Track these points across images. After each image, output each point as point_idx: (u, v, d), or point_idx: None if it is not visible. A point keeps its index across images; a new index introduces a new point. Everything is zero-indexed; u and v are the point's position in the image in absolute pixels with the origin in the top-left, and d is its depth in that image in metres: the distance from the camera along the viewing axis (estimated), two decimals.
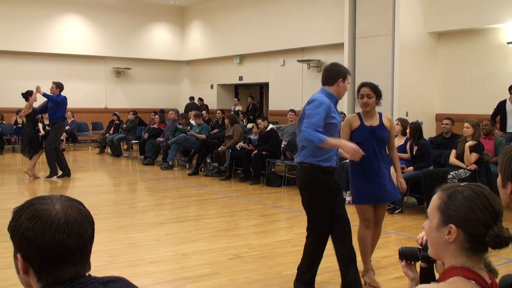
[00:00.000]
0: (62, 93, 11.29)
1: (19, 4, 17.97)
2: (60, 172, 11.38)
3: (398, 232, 7.01)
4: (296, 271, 4.62)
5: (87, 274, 1.54)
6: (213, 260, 5.57)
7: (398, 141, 8.70)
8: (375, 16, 11.92)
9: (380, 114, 4.95)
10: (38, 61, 18.53)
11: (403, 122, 8.77)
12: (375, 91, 4.86)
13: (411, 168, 8.25)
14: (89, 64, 19.70)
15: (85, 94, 19.30)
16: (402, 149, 8.52)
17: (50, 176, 11.27)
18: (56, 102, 11.05)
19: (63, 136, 16.75)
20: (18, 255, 1.50)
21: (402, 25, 11.48)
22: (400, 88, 11.52)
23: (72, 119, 17.73)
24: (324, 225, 4.43)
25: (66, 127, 17.20)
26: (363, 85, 4.93)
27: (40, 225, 1.46)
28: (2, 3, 17.65)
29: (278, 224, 7.74)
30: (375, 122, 4.87)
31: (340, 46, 13.21)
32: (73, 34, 19.15)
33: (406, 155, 8.46)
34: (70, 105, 17.38)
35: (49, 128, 11.72)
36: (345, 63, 12.54)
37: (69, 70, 18.92)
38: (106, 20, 19.67)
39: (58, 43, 18.83)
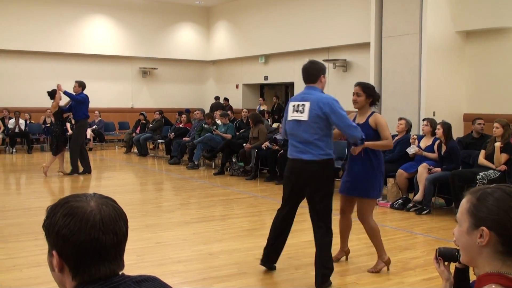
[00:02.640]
0: (85, 92, 11.47)
1: (47, 5, 18.22)
2: (81, 169, 11.65)
3: (426, 233, 6.92)
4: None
5: (120, 272, 1.52)
6: (241, 260, 5.56)
7: (426, 141, 8.61)
8: (402, 15, 11.79)
9: (371, 113, 5.23)
10: (67, 61, 18.75)
11: (432, 122, 8.67)
12: (366, 91, 5.21)
13: (438, 169, 8.15)
14: (116, 64, 19.89)
15: (112, 94, 19.49)
16: (430, 149, 8.43)
17: (71, 173, 11.56)
18: (76, 100, 11.25)
19: (90, 135, 16.96)
20: (54, 253, 1.48)
21: (429, 24, 11.33)
22: (427, 87, 11.37)
23: (99, 118, 17.91)
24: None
25: (93, 127, 17.41)
26: (356, 84, 5.32)
27: (75, 222, 1.45)
28: (31, 4, 17.90)
29: (304, 224, 7.66)
30: (362, 120, 5.23)
31: (366, 45, 13.11)
32: (100, 34, 19.36)
33: (433, 155, 8.36)
34: (97, 104, 17.70)
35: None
36: (371, 63, 12.44)
37: (96, 70, 19.12)
38: (132, 20, 19.84)
39: (86, 43, 19.05)
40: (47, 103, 16.89)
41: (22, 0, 17.71)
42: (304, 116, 4.70)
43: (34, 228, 6.76)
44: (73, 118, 11.74)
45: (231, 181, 11.33)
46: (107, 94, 19.33)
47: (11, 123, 16.70)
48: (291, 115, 4.82)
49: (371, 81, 13.41)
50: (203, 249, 6.02)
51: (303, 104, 4.74)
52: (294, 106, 4.82)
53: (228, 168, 12.33)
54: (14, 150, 16.46)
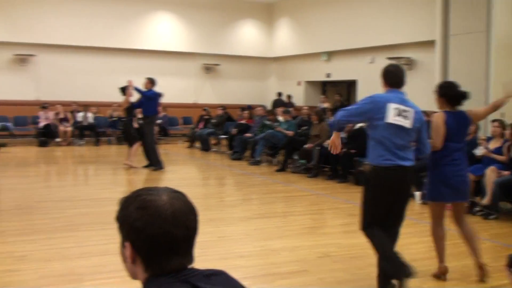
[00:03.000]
0: (156, 89, 11.68)
1: (114, 3, 18.76)
2: (147, 163, 11.90)
3: (493, 239, 6.71)
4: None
5: (190, 266, 1.54)
6: (302, 258, 5.57)
7: (495, 143, 8.34)
8: (469, 13, 11.45)
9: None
10: (132, 57, 19.23)
11: (501, 123, 8.40)
12: (437, 91, 5.23)
13: (507, 172, 7.88)
14: (180, 60, 20.25)
15: (176, 89, 19.83)
16: (499, 151, 8.17)
17: (151, 166, 11.75)
18: (146, 96, 11.46)
19: (155, 130, 17.32)
20: (127, 244, 1.52)
21: (498, 21, 10.95)
22: (496, 87, 11.00)
23: (164, 113, 18.27)
24: None
25: (158, 121, 17.77)
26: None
27: (148, 215, 1.48)
28: (98, 2, 18.47)
29: None
30: None
31: (430, 43, 12.82)
32: (165, 31, 19.78)
33: (502, 158, 8.09)
34: (162, 100, 18.07)
35: (140, 122, 12.12)
36: (437, 61, 12.14)
37: (161, 66, 19.52)
38: (196, 17, 20.15)
39: (151, 40, 19.50)
40: (114, 97, 17.39)
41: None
42: (408, 124, 4.44)
43: (102, 218, 6.99)
44: (143, 114, 11.98)
45: (292, 178, 11.34)
46: (171, 89, 19.63)
47: (79, 116, 17.31)
48: (394, 118, 4.42)
49: (437, 80, 13.10)
50: (264, 245, 6.06)
51: (407, 110, 4.46)
52: (396, 109, 4.43)
53: (290, 165, 12.34)
54: (82, 142, 17.04)
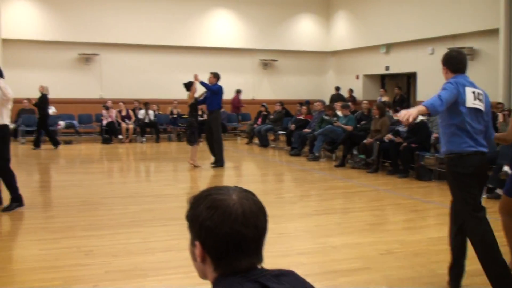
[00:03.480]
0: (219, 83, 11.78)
1: (174, 1, 19.07)
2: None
3: None
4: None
5: (259, 266, 1.54)
6: (364, 255, 5.49)
7: None
8: None
9: None
10: (191, 55, 19.52)
11: None
12: None
13: None
14: (237, 57, 20.39)
15: (234, 86, 19.95)
16: None
17: (216, 165, 11.74)
18: (212, 91, 11.56)
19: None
20: (197, 243, 1.52)
21: None
22: None
23: (222, 109, 18.40)
24: None
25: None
26: None
27: (219, 215, 1.48)
28: (158, 0, 18.82)
29: (429, 220, 7.46)
30: None
31: (494, 32, 12.37)
32: (223, 28, 20.00)
33: None
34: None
35: (201, 118, 12.24)
36: (500, 50, 11.74)
37: (219, 63, 19.66)
38: (253, 13, 20.24)
39: (210, 37, 19.76)
40: (174, 94, 17.73)
41: None
42: (482, 107, 4.33)
43: (165, 214, 7.12)
44: (207, 109, 12.08)
45: (352, 173, 11.22)
46: (229, 85, 19.76)
47: (141, 113, 17.70)
48: (473, 102, 4.27)
49: (501, 70, 12.67)
50: (325, 241, 6.01)
51: (480, 93, 4.36)
52: (474, 93, 4.31)
53: (349, 161, 12.22)
54: (144, 139, 17.42)
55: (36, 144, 15.05)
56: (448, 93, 4.18)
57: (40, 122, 15.21)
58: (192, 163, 11.74)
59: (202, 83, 11.55)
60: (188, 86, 11.73)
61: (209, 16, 19.81)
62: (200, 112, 12.25)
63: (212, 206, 1.50)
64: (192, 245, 1.56)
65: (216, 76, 11.71)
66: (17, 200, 7.38)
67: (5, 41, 17.14)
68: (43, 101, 15.03)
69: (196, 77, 11.61)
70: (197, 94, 11.90)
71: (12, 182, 7.32)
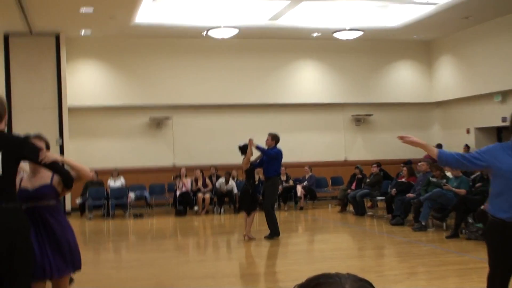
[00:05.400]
0: (281, 146, 11.85)
1: (250, 56, 19.58)
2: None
3: None
4: None
5: None
6: None
7: None
8: None
9: None
10: (272, 113, 19.75)
11: None
12: None
13: None
14: (325, 113, 20.48)
15: (322, 146, 20.02)
16: None
17: (271, 237, 11.76)
18: (269, 156, 11.66)
19: (301, 192, 17.55)
20: None
21: None
22: None
23: (310, 174, 18.44)
24: None
25: (304, 183, 17.98)
26: None
27: None
28: (231, 57, 19.38)
29: None
30: None
31: None
32: (308, 81, 20.21)
33: None
34: (307, 158, 18.37)
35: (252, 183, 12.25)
36: None
37: (304, 121, 19.92)
38: (342, 63, 20.37)
39: (293, 92, 19.99)
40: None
41: (222, 56, 19.30)
42: None
43: None
44: (264, 174, 12.17)
45: (467, 246, 10.83)
46: (317, 146, 19.92)
47: (219, 182, 17.86)
48: None
49: None
50: None
51: None
52: None
53: (463, 230, 11.82)
54: (222, 210, 17.60)
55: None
56: None
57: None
58: (249, 235, 11.78)
59: (258, 148, 11.70)
60: (244, 149, 11.89)
61: (292, 69, 20.11)
62: (257, 177, 12.26)
63: None
64: None
65: (274, 138, 11.83)
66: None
67: (71, 109, 17.99)
68: None
69: (250, 142, 11.76)
70: (253, 158, 12.03)
71: None
